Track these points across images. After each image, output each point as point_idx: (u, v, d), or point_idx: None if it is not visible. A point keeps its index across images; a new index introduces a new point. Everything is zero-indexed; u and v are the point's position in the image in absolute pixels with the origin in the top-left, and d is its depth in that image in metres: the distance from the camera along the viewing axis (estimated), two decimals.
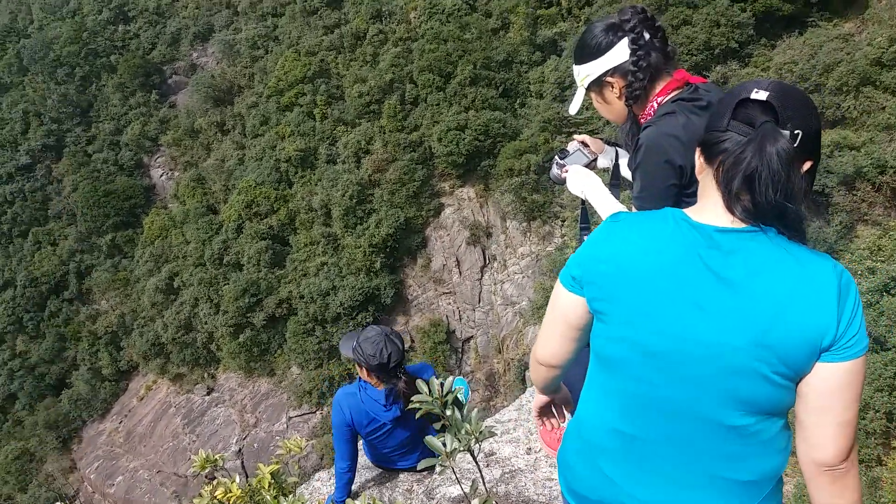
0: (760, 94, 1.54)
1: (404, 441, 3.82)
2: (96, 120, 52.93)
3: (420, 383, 2.44)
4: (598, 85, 2.46)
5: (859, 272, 17.56)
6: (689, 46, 30.53)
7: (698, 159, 1.69)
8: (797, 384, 1.53)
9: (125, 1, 56.67)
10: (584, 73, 2.45)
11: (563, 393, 2.31)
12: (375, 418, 3.66)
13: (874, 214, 23.88)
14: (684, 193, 2.29)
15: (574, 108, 2.61)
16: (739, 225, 1.56)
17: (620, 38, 2.33)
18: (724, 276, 1.52)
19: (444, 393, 2.42)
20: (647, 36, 2.32)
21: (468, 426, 2.32)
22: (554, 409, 2.34)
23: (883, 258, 17.83)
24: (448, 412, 2.37)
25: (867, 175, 23.94)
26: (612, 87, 2.42)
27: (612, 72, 2.37)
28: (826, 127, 26.53)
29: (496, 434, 2.47)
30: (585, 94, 2.55)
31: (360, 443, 4.14)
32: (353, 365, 3.70)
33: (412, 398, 2.45)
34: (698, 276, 1.53)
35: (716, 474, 1.59)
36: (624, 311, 1.60)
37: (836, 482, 1.54)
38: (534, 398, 2.31)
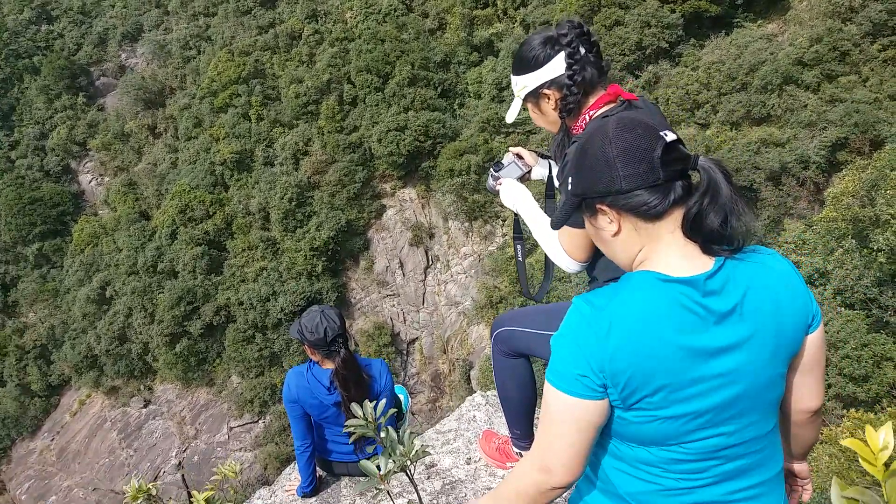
0: (671, 135, 1.55)
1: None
2: (19, 124, 50.82)
3: (354, 406, 2.44)
4: (534, 96, 2.50)
5: None
6: (622, 47, 31.20)
7: (616, 222, 1.63)
8: None
9: (48, 0, 54.56)
10: (522, 85, 2.50)
11: None
12: (320, 400, 3.69)
13: (799, 208, 24.86)
14: None
15: (511, 116, 2.65)
16: (713, 260, 1.59)
17: (557, 52, 2.38)
18: (729, 312, 1.56)
19: (377, 416, 2.41)
20: (582, 51, 2.37)
21: (402, 448, 2.32)
22: None
23: (807, 251, 18.52)
24: (382, 434, 2.36)
25: (792, 171, 24.91)
26: (549, 99, 2.46)
27: (549, 84, 2.42)
28: (753, 124, 27.54)
29: (430, 454, 2.44)
30: (522, 105, 2.61)
31: None
32: (302, 346, 3.80)
33: (346, 422, 2.44)
34: (708, 324, 1.55)
35: (767, 479, 1.71)
36: (661, 392, 1.56)
37: (818, 419, 1.86)
38: None
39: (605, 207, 1.62)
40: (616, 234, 1.65)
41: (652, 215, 1.58)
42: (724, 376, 1.56)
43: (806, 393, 1.77)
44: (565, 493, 1.78)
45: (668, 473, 1.66)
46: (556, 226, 1.86)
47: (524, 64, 2.46)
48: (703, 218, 1.54)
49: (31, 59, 52.08)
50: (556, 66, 2.38)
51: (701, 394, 1.56)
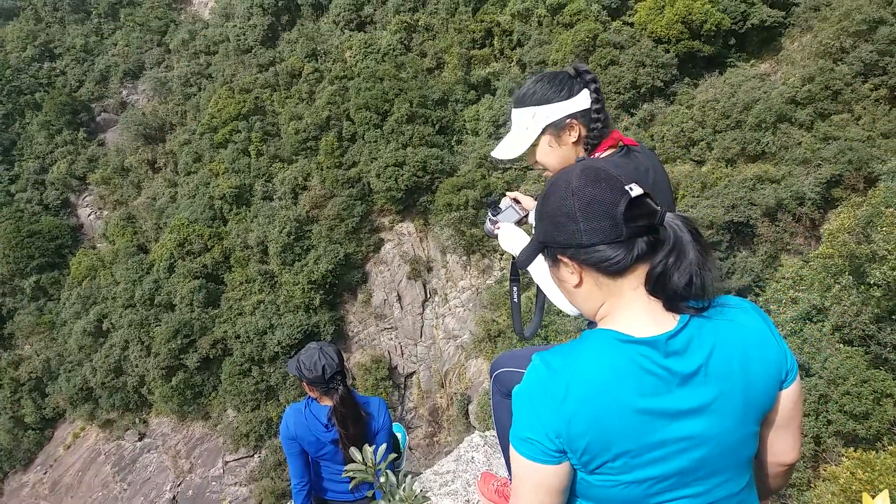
0: (637, 189, 1.49)
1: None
2: (20, 159, 51.02)
3: (354, 451, 2.46)
4: (556, 127, 2.46)
5: (783, 301, 18.24)
6: (618, 85, 31.67)
7: (577, 274, 1.58)
8: None
9: (51, 38, 55.22)
10: (544, 114, 2.46)
11: None
12: (317, 437, 3.68)
13: (796, 244, 25.03)
14: None
15: (520, 149, 2.55)
16: (677, 318, 1.53)
17: (583, 87, 2.45)
18: (693, 373, 1.50)
19: (378, 461, 2.42)
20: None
21: (401, 493, 2.29)
22: None
23: (804, 287, 18.56)
24: (382, 479, 2.36)
25: (787, 207, 25.13)
26: (572, 131, 2.45)
27: (575, 115, 2.44)
28: (748, 161, 27.86)
29: (430, 499, 2.46)
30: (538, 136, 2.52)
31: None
32: (300, 383, 3.78)
33: (346, 467, 2.45)
34: (671, 386, 1.49)
35: None
36: (622, 458, 1.49)
37: (790, 471, 1.79)
38: None
39: (566, 259, 1.58)
40: (577, 286, 1.60)
41: (613, 271, 1.52)
42: (689, 440, 1.50)
43: (781, 448, 1.70)
44: None
45: None
46: (520, 266, 1.86)
47: (551, 94, 2.45)
48: (667, 278, 1.49)
49: (33, 95, 52.52)
50: (584, 100, 2.44)
51: (664, 458, 1.50)
